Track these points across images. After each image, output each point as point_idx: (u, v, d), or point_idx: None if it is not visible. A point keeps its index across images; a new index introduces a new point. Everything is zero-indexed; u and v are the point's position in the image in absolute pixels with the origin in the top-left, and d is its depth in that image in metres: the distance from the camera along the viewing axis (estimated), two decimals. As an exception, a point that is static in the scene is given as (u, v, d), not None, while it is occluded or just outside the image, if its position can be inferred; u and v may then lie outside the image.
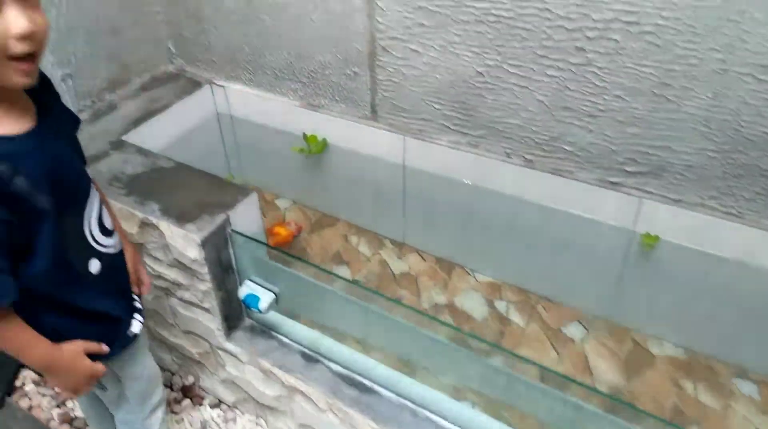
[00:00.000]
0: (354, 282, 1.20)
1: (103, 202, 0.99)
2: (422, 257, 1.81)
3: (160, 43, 1.85)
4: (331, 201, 1.92)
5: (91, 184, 0.96)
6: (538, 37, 1.26)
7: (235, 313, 1.42)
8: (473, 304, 1.68)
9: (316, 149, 1.73)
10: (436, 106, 1.50)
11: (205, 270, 1.30)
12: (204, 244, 1.26)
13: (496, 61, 1.34)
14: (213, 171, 1.97)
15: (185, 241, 1.27)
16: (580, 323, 1.62)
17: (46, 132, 0.86)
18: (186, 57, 1.87)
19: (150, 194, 1.37)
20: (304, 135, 1.74)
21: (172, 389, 1.63)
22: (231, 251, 1.35)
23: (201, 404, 1.58)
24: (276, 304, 1.35)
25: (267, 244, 1.32)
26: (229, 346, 1.43)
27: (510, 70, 1.33)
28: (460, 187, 1.58)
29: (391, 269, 1.78)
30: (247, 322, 1.46)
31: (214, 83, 1.84)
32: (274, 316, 1.40)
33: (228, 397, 1.55)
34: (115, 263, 1.01)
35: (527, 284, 1.70)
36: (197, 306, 1.39)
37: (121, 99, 1.75)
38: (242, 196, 1.34)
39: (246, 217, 1.35)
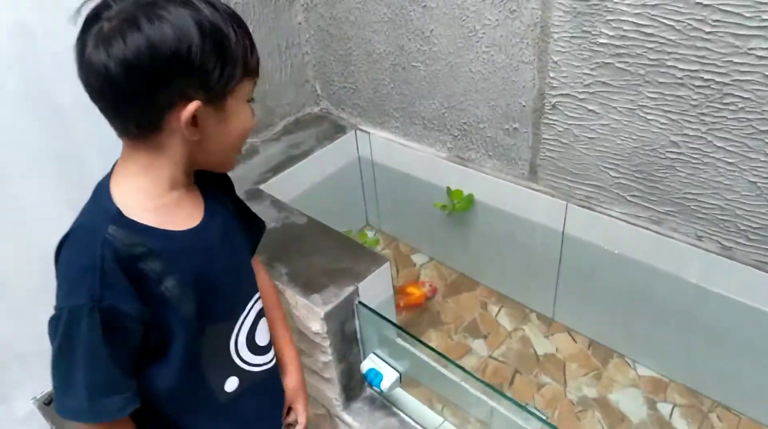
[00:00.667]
0: (487, 385, 1.03)
1: (264, 315, 0.90)
2: (573, 338, 1.59)
3: (307, 85, 1.80)
4: (472, 262, 1.76)
5: (254, 295, 0.86)
6: (760, 109, 1.01)
7: (356, 384, 1.33)
8: (631, 403, 1.45)
9: (460, 206, 1.58)
10: (612, 174, 1.29)
11: (327, 343, 1.20)
12: (328, 318, 1.16)
13: (698, 132, 1.11)
14: (350, 217, 1.92)
15: (309, 312, 1.19)
16: (764, 441, 1.34)
17: (212, 230, 0.78)
18: (332, 100, 1.81)
19: (279, 254, 1.30)
20: (449, 189, 1.60)
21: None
22: (357, 322, 1.25)
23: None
24: (400, 383, 1.23)
25: (396, 325, 1.19)
26: (346, 417, 1.33)
27: (716, 142, 1.10)
28: (630, 266, 1.37)
29: (534, 349, 1.58)
30: (368, 392, 1.36)
31: (359, 128, 1.76)
32: (398, 391, 1.30)
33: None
34: (259, 384, 0.89)
35: (700, 386, 1.45)
36: (317, 373, 1.30)
37: (264, 142, 1.72)
38: (374, 266, 1.23)
39: (376, 287, 1.25)
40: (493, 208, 1.57)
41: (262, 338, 0.88)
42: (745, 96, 1.03)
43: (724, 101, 1.05)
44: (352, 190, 1.88)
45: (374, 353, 1.27)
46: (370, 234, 1.95)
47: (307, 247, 1.32)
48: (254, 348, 0.86)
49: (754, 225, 1.15)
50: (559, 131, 1.33)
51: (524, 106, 1.35)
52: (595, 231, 1.39)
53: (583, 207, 1.38)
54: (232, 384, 0.84)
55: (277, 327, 0.99)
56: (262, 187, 1.55)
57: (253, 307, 0.86)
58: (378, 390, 1.24)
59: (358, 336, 1.27)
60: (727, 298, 1.25)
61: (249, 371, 0.86)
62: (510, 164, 1.48)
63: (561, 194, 1.42)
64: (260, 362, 0.88)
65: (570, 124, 1.30)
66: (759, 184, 1.10)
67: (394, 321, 1.38)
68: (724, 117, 1.07)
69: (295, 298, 1.20)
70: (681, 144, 1.15)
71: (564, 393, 1.48)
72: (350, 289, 1.19)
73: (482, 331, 1.64)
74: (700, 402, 1.43)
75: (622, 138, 1.23)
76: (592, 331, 1.58)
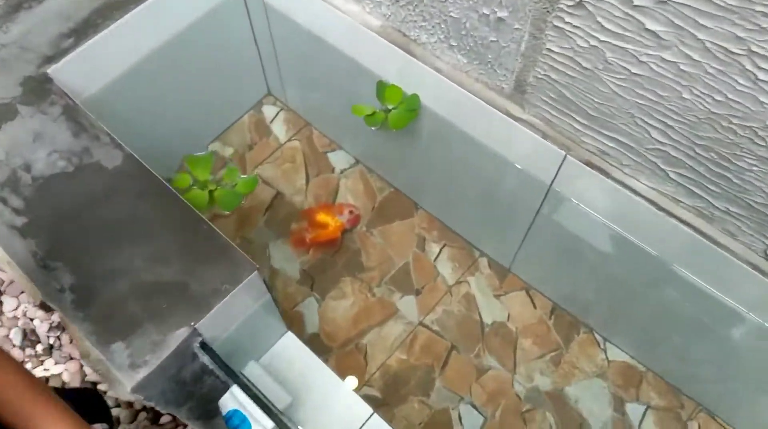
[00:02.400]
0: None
1: None
2: (532, 301, 1.21)
3: None
4: (411, 176, 1.27)
5: None
6: None
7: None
8: (593, 402, 1.16)
9: (396, 120, 1.02)
10: (654, 134, 0.76)
11: (150, 404, 0.77)
12: (141, 389, 0.71)
13: None
14: (241, 83, 1.34)
15: (108, 374, 0.72)
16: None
17: None
18: None
19: (61, 241, 0.77)
20: (381, 85, 1.02)
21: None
22: (205, 358, 0.81)
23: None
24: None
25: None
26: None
27: None
28: (641, 255, 0.93)
29: (480, 314, 1.20)
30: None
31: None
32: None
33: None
34: None
35: (682, 382, 1.15)
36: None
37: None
38: (230, 284, 0.75)
39: (239, 304, 0.78)
40: (449, 123, 1.01)
41: None
42: None
43: None
44: (235, 44, 1.24)
45: (239, 385, 0.86)
46: (269, 111, 1.36)
47: (116, 227, 0.78)
48: None
49: None
50: (580, 48, 0.74)
51: (524, -14, 0.73)
52: (604, 201, 0.91)
53: (591, 165, 0.87)
54: None
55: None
56: (50, 70, 0.92)
57: None
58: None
59: (212, 367, 0.84)
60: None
61: None
62: (483, 69, 0.90)
63: (559, 137, 0.88)
64: None
65: (602, 41, 0.71)
66: None
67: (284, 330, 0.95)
68: None
69: (85, 345, 0.72)
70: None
71: (511, 382, 1.15)
72: (182, 333, 0.72)
73: (415, 283, 1.22)
74: (679, 404, 1.14)
75: (692, 92, 0.67)
76: (556, 292, 1.20)
